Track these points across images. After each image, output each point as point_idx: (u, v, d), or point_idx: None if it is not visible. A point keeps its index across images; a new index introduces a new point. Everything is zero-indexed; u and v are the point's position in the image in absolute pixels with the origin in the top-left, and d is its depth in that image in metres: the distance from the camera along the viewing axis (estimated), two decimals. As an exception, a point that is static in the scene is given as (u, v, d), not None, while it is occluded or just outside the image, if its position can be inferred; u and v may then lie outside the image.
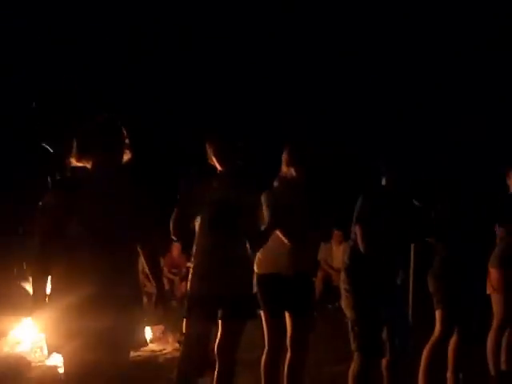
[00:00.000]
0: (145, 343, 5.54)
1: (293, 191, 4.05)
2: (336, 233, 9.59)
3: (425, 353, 4.46)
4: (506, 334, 4.92)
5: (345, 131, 11.57)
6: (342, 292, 4.02)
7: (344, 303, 4.03)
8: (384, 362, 4.11)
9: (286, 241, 3.96)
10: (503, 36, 10.08)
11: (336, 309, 8.26)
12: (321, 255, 9.11)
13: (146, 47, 10.88)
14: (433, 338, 4.48)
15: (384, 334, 4.00)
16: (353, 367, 3.99)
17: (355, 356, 3.98)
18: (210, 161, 3.83)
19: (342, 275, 4.09)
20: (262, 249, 4.00)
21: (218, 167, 3.78)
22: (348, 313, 3.99)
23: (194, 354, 3.75)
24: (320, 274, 9.30)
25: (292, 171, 4.08)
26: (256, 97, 11.53)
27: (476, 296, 4.49)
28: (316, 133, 9.91)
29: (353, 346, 3.97)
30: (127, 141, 3.10)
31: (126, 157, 3.12)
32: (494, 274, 4.82)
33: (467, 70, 10.68)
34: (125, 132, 3.09)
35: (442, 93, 11.05)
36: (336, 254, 9.70)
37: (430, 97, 11.21)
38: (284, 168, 4.13)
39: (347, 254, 4.13)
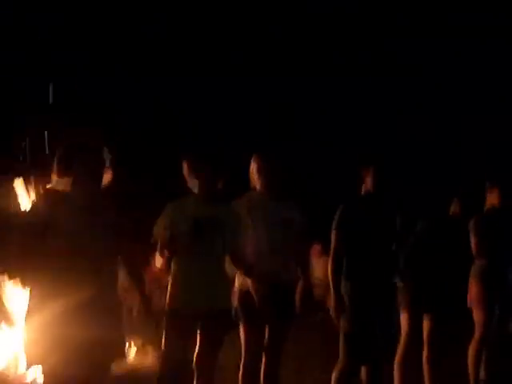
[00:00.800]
0: (125, 357, 5.50)
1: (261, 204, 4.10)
2: (315, 247, 9.55)
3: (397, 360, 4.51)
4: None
5: (325, 137, 11.61)
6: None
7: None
8: (363, 368, 4.15)
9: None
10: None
11: (317, 321, 8.32)
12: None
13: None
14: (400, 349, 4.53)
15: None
16: (337, 371, 4.02)
17: (340, 360, 4.01)
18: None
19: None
20: (250, 262, 4.03)
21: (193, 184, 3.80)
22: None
23: (172, 369, 3.73)
24: (300, 287, 9.28)
25: (258, 184, 4.12)
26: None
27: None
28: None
29: (340, 349, 4.00)
30: (108, 162, 3.10)
31: (107, 176, 3.12)
32: (473, 287, 4.87)
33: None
34: (106, 150, 3.10)
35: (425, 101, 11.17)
36: (316, 267, 9.69)
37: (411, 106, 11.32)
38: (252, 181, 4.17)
39: None
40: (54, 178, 3.09)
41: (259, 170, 4.12)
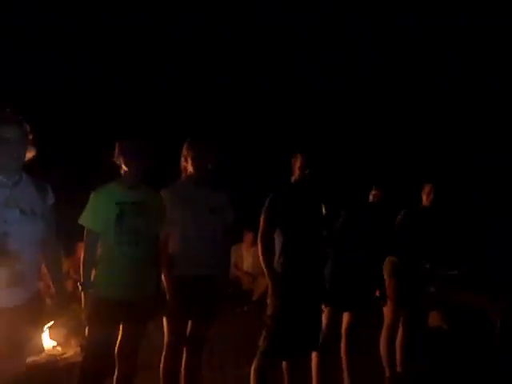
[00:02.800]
0: (42, 348, 5.37)
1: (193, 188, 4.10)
2: (248, 235, 9.49)
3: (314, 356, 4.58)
4: (399, 336, 5.12)
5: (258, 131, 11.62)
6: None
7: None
8: (284, 363, 4.18)
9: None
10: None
11: (244, 312, 8.36)
12: (231, 257, 9.01)
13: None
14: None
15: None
16: (255, 360, 4.05)
17: (260, 351, 4.03)
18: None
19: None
20: (173, 252, 4.00)
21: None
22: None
23: (97, 358, 3.66)
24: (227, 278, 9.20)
25: (190, 168, 4.10)
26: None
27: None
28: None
29: (262, 340, 4.02)
30: (31, 137, 2.98)
31: (30, 154, 3.00)
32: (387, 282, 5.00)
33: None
34: (28, 127, 2.96)
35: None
36: (246, 256, 9.67)
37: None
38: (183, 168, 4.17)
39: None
40: None
41: (190, 158, 4.09)
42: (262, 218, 4.08)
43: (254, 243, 9.50)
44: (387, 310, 5.05)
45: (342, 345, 4.72)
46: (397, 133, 10.98)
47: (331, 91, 11.28)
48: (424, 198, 5.13)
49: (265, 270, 4.03)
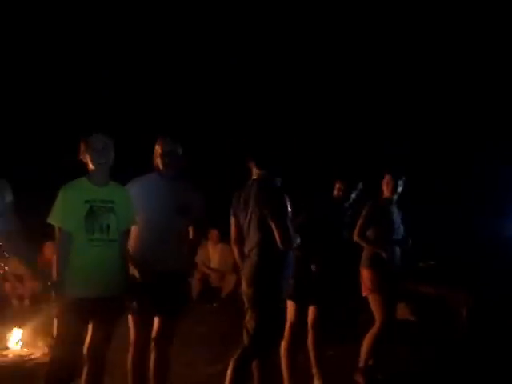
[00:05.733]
0: (6, 346, 5.32)
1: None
2: (212, 232, 9.51)
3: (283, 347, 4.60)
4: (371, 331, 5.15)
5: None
6: None
7: None
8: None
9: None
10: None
11: (213, 309, 8.37)
12: (198, 256, 9.04)
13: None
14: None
15: None
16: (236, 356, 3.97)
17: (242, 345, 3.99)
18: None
19: None
20: (137, 248, 3.98)
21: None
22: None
23: (66, 357, 3.61)
24: (198, 275, 9.25)
25: (160, 167, 4.10)
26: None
27: None
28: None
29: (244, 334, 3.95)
30: None
31: None
32: (365, 274, 5.05)
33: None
34: None
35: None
36: (213, 254, 9.68)
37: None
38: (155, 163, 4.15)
39: None
40: None
41: (159, 154, 4.09)
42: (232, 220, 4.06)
43: (219, 240, 9.54)
44: (376, 306, 5.03)
45: (309, 338, 4.76)
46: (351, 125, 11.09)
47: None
48: (384, 188, 5.17)
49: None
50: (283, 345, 4.55)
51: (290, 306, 4.53)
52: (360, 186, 4.98)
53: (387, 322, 4.99)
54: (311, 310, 4.76)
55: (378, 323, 5.01)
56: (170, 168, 4.08)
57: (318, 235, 4.62)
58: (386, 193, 5.16)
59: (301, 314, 4.67)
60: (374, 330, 5.04)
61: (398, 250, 5.14)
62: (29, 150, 10.55)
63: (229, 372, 3.84)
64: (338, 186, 4.93)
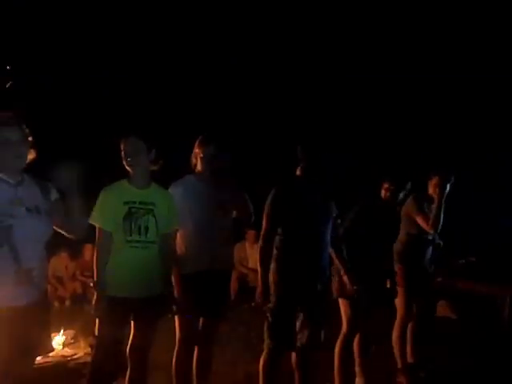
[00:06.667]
0: (52, 349, 5.39)
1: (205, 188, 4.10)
2: (250, 232, 9.54)
3: (336, 348, 4.59)
4: (409, 326, 5.12)
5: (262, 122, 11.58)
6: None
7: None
8: (293, 355, 4.17)
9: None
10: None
11: (252, 309, 8.36)
12: (236, 255, 9.08)
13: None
14: (341, 335, 4.61)
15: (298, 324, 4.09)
16: (263, 356, 4.04)
17: (265, 345, 4.03)
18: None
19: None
20: (182, 249, 4.01)
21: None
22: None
23: (107, 357, 3.65)
24: (235, 274, 9.27)
25: (200, 169, 4.12)
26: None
27: None
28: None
29: (265, 334, 4.02)
30: (30, 139, 3.00)
31: (31, 156, 3.03)
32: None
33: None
34: (27, 130, 2.99)
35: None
36: (251, 253, 9.69)
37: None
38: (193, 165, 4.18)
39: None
40: None
41: (199, 156, 4.11)
42: (265, 217, 4.02)
43: (256, 240, 9.54)
44: (399, 301, 5.05)
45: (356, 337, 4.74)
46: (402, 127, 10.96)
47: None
48: (431, 190, 5.09)
49: (259, 278, 3.97)
50: (338, 344, 4.57)
51: (344, 304, 4.54)
52: (409, 186, 4.90)
53: (405, 319, 5.04)
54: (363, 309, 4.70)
55: (398, 319, 5.05)
56: (210, 169, 4.09)
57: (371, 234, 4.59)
58: (434, 194, 5.07)
59: (356, 313, 4.62)
60: (396, 327, 5.08)
61: (430, 248, 5.11)
62: (73, 152, 10.70)
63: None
64: (385, 186, 4.86)
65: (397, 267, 4.93)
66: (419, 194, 5.10)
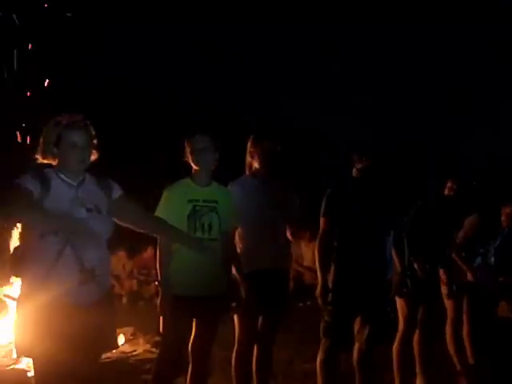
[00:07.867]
0: (116, 345, 5.50)
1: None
2: (304, 232, 9.52)
3: (394, 348, 4.53)
4: (464, 327, 5.01)
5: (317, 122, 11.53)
6: None
7: None
8: (355, 354, 4.14)
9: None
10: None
11: (307, 307, 8.34)
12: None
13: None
14: (399, 334, 4.55)
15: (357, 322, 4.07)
16: (319, 354, 4.03)
17: (322, 344, 4.01)
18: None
19: None
20: (242, 248, 4.03)
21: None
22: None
23: (172, 355, 3.71)
24: (291, 273, 9.24)
25: (256, 165, 4.12)
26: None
27: None
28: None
29: (321, 331, 4.01)
30: (95, 141, 3.04)
31: (93, 157, 3.06)
32: (442, 275, 4.89)
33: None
34: (94, 132, 3.03)
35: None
36: (306, 252, 9.67)
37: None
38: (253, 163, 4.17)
39: None
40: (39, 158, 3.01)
41: (256, 155, 4.10)
42: (323, 218, 4.01)
43: (312, 239, 9.52)
44: (448, 303, 4.94)
45: (415, 336, 4.67)
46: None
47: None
48: (503, 215, 4.94)
49: (319, 279, 3.97)
50: (396, 343, 4.53)
51: (402, 303, 4.48)
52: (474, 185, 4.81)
53: (454, 320, 4.93)
54: (421, 308, 4.66)
55: (448, 320, 4.95)
56: (267, 168, 4.10)
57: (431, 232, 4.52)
58: (504, 221, 4.86)
59: (413, 311, 4.59)
60: (448, 328, 4.97)
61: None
62: (133, 152, 10.87)
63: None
64: (449, 184, 4.77)
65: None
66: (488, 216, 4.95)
